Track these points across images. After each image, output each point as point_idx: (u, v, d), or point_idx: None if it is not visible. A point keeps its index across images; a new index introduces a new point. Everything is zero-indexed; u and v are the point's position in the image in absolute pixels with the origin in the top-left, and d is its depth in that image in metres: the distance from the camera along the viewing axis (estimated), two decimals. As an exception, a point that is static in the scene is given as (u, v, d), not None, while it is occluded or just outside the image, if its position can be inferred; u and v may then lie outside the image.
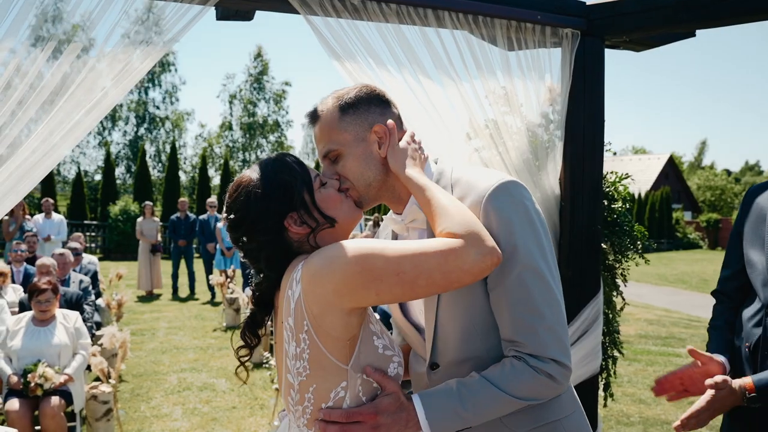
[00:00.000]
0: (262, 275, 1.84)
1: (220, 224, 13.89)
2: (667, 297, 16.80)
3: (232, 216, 1.79)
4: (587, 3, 3.37)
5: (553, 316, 1.70)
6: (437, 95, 3.18)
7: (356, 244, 1.62)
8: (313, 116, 1.95)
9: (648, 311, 13.97)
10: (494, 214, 1.71)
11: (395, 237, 2.09)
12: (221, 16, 3.10)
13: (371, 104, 1.92)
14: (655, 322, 12.46)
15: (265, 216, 1.75)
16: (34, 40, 2.43)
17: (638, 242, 3.50)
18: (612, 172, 3.61)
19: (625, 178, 3.60)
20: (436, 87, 3.16)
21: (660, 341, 10.69)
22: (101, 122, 40.22)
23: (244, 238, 1.79)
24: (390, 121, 1.90)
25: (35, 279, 6.56)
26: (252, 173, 1.81)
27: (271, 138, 44.27)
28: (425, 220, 1.88)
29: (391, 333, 2.10)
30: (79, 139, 2.56)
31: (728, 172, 69.47)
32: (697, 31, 3.57)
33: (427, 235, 1.88)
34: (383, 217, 2.11)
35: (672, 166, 53.65)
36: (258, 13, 3.09)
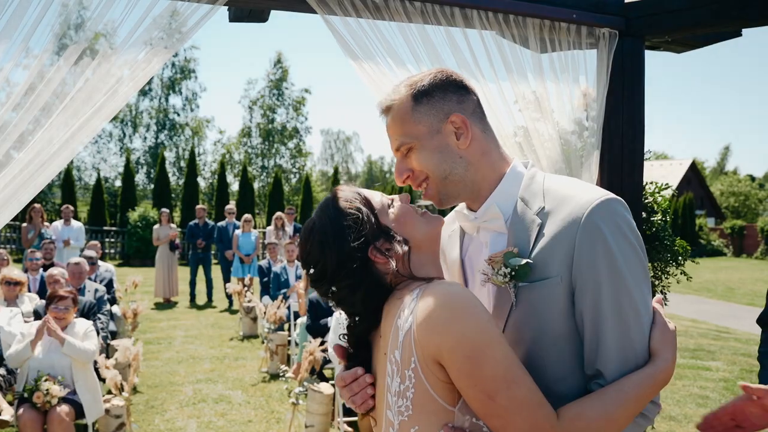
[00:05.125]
0: (357, 318, 1.69)
1: (237, 231, 13.78)
2: (691, 306, 16.42)
3: (312, 270, 1.67)
4: (626, 1, 3.14)
5: (646, 352, 1.56)
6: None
7: (483, 320, 1.46)
8: (387, 106, 1.76)
9: (674, 321, 13.47)
10: (595, 235, 1.54)
11: (462, 234, 1.89)
12: (234, 17, 2.93)
13: (447, 91, 1.73)
14: (682, 333, 12.10)
15: (345, 258, 1.62)
16: (54, 45, 2.31)
17: (680, 258, 3.25)
18: (651, 183, 3.37)
19: (665, 188, 3.35)
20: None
21: (688, 353, 10.36)
22: (122, 129, 40.53)
23: (333, 288, 1.66)
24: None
25: (50, 289, 6.47)
26: (317, 219, 1.69)
27: (290, 144, 44.25)
28: (503, 224, 1.70)
29: None
30: (90, 137, 2.44)
31: (752, 178, 68.08)
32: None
33: (503, 242, 1.69)
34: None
35: (694, 172, 52.78)
36: (279, 19, 2.92)
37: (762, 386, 2.23)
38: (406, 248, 1.63)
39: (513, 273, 1.59)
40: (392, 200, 1.74)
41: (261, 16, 2.88)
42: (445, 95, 1.72)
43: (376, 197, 1.71)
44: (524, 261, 1.58)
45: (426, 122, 1.70)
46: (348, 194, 1.69)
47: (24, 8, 2.19)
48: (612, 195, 1.60)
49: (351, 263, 1.62)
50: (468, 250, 1.86)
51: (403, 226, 1.67)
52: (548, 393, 1.57)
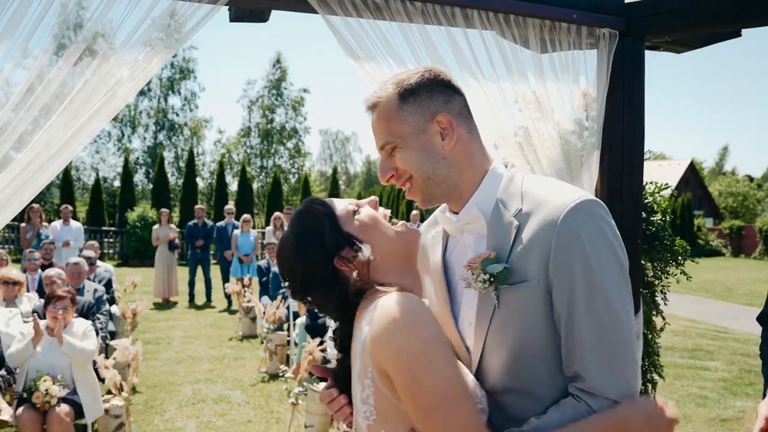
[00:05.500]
0: (339, 322, 1.76)
1: (236, 231, 13.77)
2: (690, 306, 16.42)
3: (287, 282, 1.74)
4: (626, 1, 3.15)
5: (623, 354, 1.52)
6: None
7: (426, 336, 1.47)
8: (371, 104, 1.74)
9: (673, 321, 13.56)
10: (570, 237, 1.53)
11: (446, 237, 1.87)
12: (234, 17, 2.93)
13: (434, 91, 1.70)
14: (681, 333, 12.11)
15: (311, 269, 1.67)
16: (53, 46, 2.31)
17: (680, 257, 3.25)
18: (651, 182, 3.38)
19: (665, 188, 3.36)
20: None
21: (687, 353, 10.37)
22: (121, 129, 40.48)
23: (308, 297, 1.72)
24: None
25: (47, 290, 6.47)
26: (287, 233, 1.74)
27: (289, 145, 44.23)
28: (485, 226, 1.69)
29: None
30: (90, 137, 2.43)
31: (750, 178, 68.05)
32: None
33: (486, 244, 1.68)
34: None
35: (693, 172, 52.79)
36: (278, 20, 2.92)
37: None
38: (368, 255, 1.64)
39: (492, 279, 1.59)
40: (358, 206, 1.74)
41: (262, 16, 2.88)
42: (432, 95, 1.70)
43: (341, 205, 1.72)
44: (502, 267, 1.58)
45: (411, 121, 1.68)
46: (311, 206, 1.72)
47: (25, 8, 2.19)
48: (589, 196, 1.59)
49: (319, 274, 1.66)
50: (453, 253, 1.84)
51: (368, 232, 1.67)
52: (531, 395, 1.59)
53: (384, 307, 1.51)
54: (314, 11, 2.62)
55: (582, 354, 1.52)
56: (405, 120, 1.68)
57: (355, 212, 1.71)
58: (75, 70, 2.32)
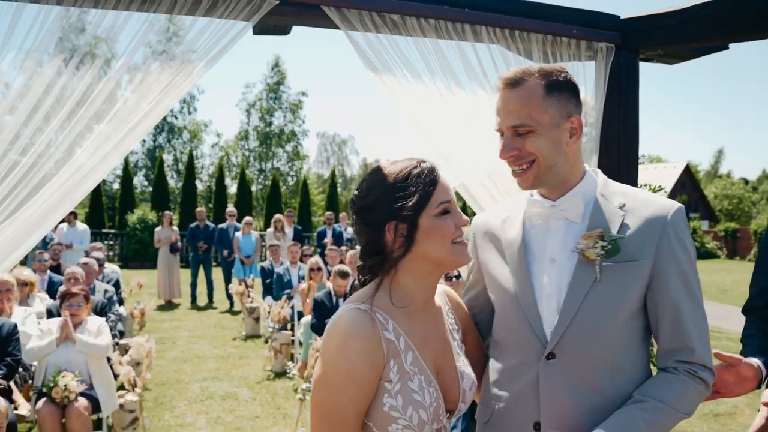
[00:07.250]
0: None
1: (238, 234, 13.95)
2: (686, 307, 16.60)
3: (356, 193, 1.78)
4: (622, 17, 3.39)
5: (708, 331, 1.90)
6: (470, 106, 3.20)
7: (343, 358, 1.64)
8: (515, 81, 1.83)
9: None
10: (678, 232, 1.85)
11: (523, 221, 2.00)
12: (258, 30, 3.14)
13: (572, 93, 1.89)
14: (676, 333, 12.29)
15: (372, 203, 1.70)
16: (68, 56, 2.49)
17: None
18: (645, 185, 3.61)
19: (658, 190, 3.59)
20: (470, 97, 3.19)
21: (682, 352, 10.56)
22: (119, 131, 40.48)
23: (354, 218, 1.77)
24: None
25: (62, 287, 6.65)
26: (396, 162, 1.74)
27: (287, 147, 44.36)
28: (581, 214, 1.91)
29: None
30: (124, 154, 2.62)
31: (745, 181, 68.37)
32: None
33: (578, 229, 1.90)
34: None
35: (688, 175, 53.12)
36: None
37: (734, 355, 2.44)
38: (407, 249, 1.69)
39: (609, 247, 1.82)
40: (448, 210, 1.72)
41: (284, 30, 3.10)
42: (570, 96, 1.88)
43: (441, 195, 1.71)
44: (619, 236, 1.83)
45: (551, 113, 1.83)
46: (424, 168, 1.71)
47: (79, 30, 2.39)
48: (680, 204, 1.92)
49: (373, 217, 1.70)
50: (530, 234, 1.99)
51: (429, 234, 1.69)
52: (613, 365, 1.84)
53: (339, 317, 1.69)
54: (336, 27, 2.85)
55: (690, 330, 1.83)
56: (546, 110, 1.83)
57: (442, 213, 1.71)
58: (121, 83, 2.52)
